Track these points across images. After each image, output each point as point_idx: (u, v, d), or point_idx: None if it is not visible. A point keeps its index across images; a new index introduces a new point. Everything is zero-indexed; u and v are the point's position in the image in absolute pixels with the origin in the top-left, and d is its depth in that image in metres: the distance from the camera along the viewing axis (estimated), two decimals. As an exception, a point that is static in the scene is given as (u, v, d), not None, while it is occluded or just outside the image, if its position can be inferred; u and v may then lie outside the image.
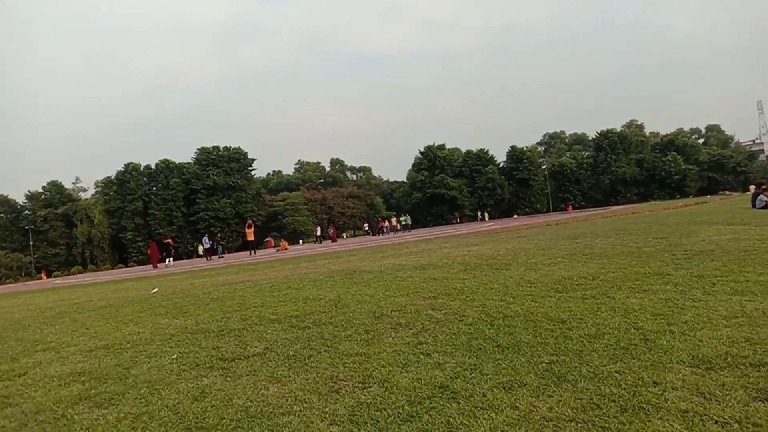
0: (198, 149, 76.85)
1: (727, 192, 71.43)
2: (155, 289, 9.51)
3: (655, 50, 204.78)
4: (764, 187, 14.93)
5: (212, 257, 35.89)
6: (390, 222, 55.07)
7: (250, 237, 36.12)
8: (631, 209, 30.25)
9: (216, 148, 76.88)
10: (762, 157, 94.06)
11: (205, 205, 72.48)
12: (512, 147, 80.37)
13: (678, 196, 72.04)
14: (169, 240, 38.77)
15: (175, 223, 71.93)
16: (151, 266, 34.84)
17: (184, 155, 79.19)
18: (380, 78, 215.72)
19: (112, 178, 73.79)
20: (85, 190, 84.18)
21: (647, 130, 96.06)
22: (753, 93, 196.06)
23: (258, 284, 8.59)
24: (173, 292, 8.91)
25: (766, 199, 13.57)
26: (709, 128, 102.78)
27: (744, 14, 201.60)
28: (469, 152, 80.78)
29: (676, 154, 75.05)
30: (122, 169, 72.68)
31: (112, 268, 65.39)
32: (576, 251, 8.31)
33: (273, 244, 39.25)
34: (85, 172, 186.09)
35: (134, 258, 68.76)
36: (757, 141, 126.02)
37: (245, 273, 11.69)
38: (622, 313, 4.25)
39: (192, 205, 73.45)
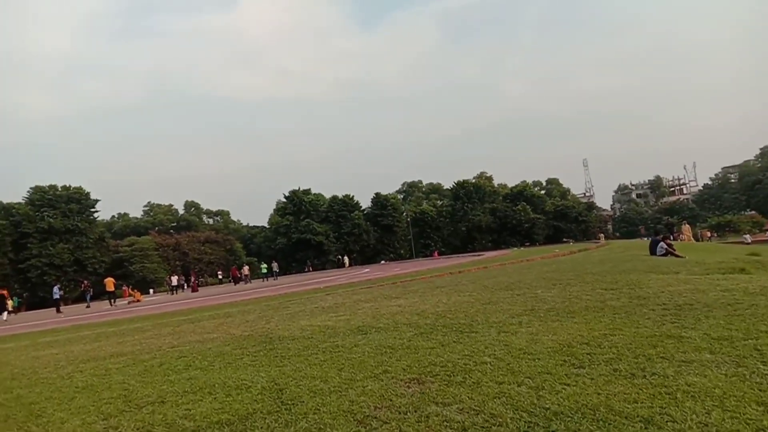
0: (31, 188, 67.86)
1: (570, 240, 77.52)
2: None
3: (493, 111, 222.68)
4: (662, 235, 15.28)
5: (61, 311, 30.91)
6: (242, 270, 50.92)
7: (110, 287, 33.41)
8: (506, 256, 30.78)
9: (53, 187, 68.44)
10: (608, 208, 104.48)
11: (38, 250, 63.55)
12: (377, 194, 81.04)
13: (527, 243, 76.80)
14: (4, 291, 32.89)
15: (0, 271, 62.24)
16: None
17: (13, 196, 69.52)
18: (234, 122, 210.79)
19: None
20: None
21: (495, 182, 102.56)
22: (580, 152, 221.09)
23: (138, 359, 6.34)
24: (11, 374, 6.32)
25: (665, 247, 13.76)
26: (550, 181, 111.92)
27: (567, 85, 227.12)
28: (335, 197, 80.00)
29: (525, 204, 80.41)
30: (-67, 208, 61.98)
31: None
32: (532, 306, 7.15)
33: (128, 294, 35.11)
34: None
35: (-56, 313, 58.14)
36: (587, 194, 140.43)
37: (108, 339, 9.11)
38: (713, 402, 3.20)
39: (22, 251, 64.16)
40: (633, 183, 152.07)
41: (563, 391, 3.66)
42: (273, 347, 6.11)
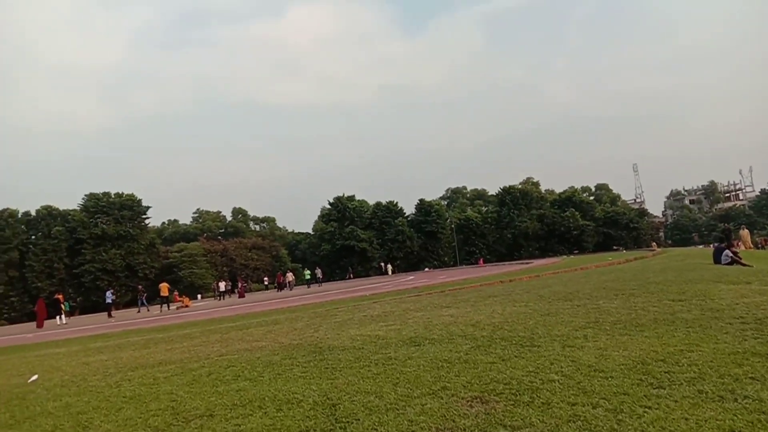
0: (86, 195, 70.24)
1: (620, 248, 75.26)
2: (35, 376, 6.79)
3: (539, 114, 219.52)
4: (727, 243, 14.48)
5: (113, 315, 31.79)
6: (285, 276, 51.06)
7: (164, 292, 34.18)
8: (557, 264, 30.04)
9: (106, 194, 70.69)
10: (659, 215, 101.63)
11: (91, 256, 65.70)
12: (420, 200, 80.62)
13: (576, 251, 74.92)
14: (60, 295, 34.05)
15: (56, 276, 64.44)
16: (33, 325, 30.70)
17: (69, 203, 72.10)
18: (280, 129, 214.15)
19: (-17, 225, 65.47)
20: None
21: (542, 188, 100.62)
22: (629, 156, 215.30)
23: (186, 368, 6.20)
24: (61, 381, 6.29)
25: (731, 255, 12.99)
26: (599, 186, 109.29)
27: (615, 86, 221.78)
28: (378, 204, 79.97)
29: (574, 210, 78.45)
30: (-5, 215, 64.74)
31: (-23, 327, 57.19)
32: (596, 318, 6.71)
33: (177, 299, 35.83)
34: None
35: (5, 315, 60.58)
36: (637, 200, 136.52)
37: (157, 345, 9.08)
38: None
39: (76, 256, 66.39)
40: (686, 188, 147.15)
41: (645, 415, 3.30)
42: (323, 358, 5.88)
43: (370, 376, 4.87)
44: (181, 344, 8.76)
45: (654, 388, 3.75)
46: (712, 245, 70.32)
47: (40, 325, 28.83)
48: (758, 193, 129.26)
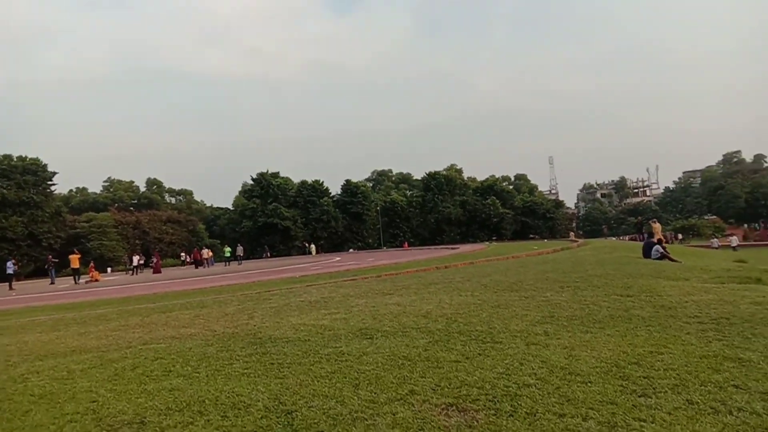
0: (-17, 158, 64.66)
1: (536, 237, 78.05)
2: None
3: (463, 104, 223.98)
4: (647, 235, 14.90)
5: (13, 288, 29.24)
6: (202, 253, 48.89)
7: (75, 264, 32.68)
8: (483, 251, 30.43)
9: (7, 156, 65.25)
10: (571, 206, 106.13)
11: (-11, 222, 60.73)
12: (347, 181, 79.95)
13: (494, 237, 76.92)
14: None
15: (-53, 242, 59.14)
16: None
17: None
18: (200, 100, 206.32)
19: None
20: None
21: (465, 175, 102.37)
22: (546, 149, 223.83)
23: (106, 359, 5.41)
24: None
25: (661, 250, 13.33)
26: (518, 176, 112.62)
27: (537, 82, 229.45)
28: (303, 182, 78.56)
29: (495, 198, 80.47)
30: None
31: None
32: (550, 312, 6.49)
33: (93, 271, 33.62)
34: None
35: None
36: (552, 191, 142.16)
37: (68, 328, 8.08)
38: None
39: (-28, 223, 61.11)
40: (598, 182, 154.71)
41: (644, 430, 3.00)
42: (266, 351, 5.28)
43: (325, 375, 4.35)
44: (96, 327, 7.83)
45: (639, 396, 3.49)
46: (622, 238, 74.30)
47: None
48: (663, 191, 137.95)
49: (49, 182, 68.74)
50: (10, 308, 13.44)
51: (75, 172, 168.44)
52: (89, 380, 4.60)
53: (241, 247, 51.95)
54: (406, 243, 73.36)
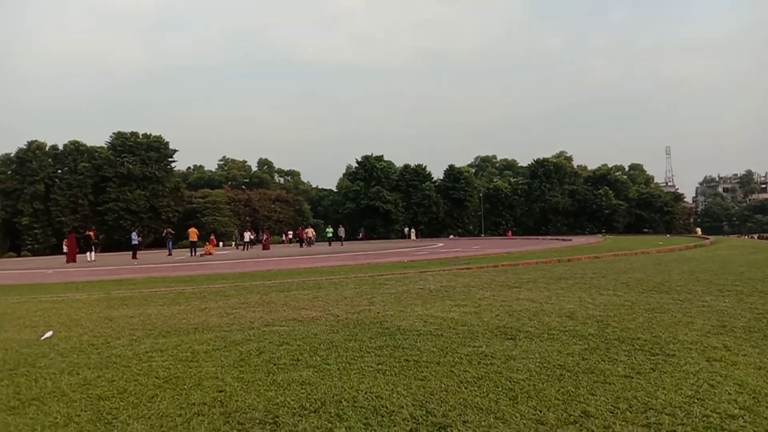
0: (113, 133, 69.72)
1: (650, 231, 73.21)
2: (49, 332, 5.77)
3: (575, 90, 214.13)
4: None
5: (137, 257, 31.44)
6: (306, 232, 49.88)
7: (193, 237, 34.09)
8: (601, 244, 28.70)
9: (134, 134, 70.05)
10: (688, 200, 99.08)
11: (116, 194, 65.58)
12: (450, 166, 78.82)
13: (604, 230, 72.92)
14: (91, 232, 33.83)
15: (80, 211, 64.53)
16: (55, 259, 30.92)
17: (96, 140, 71.49)
18: (311, 85, 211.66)
19: (12, 155, 65.34)
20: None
21: (574, 163, 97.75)
22: (662, 140, 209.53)
23: (229, 340, 5.13)
24: (79, 344, 5.24)
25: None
26: (633, 167, 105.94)
27: (654, 67, 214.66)
28: (406, 166, 78.34)
29: (608, 188, 76.13)
30: (24, 147, 64.43)
31: (1, 256, 57.61)
32: (719, 321, 5.50)
33: (215, 243, 35.41)
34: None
35: (28, 246, 61.00)
36: (668, 183, 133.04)
37: (188, 302, 8.06)
38: None
39: (101, 194, 66.31)
40: (720, 176, 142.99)
41: None
42: (397, 344, 4.77)
43: (471, 381, 3.75)
44: (216, 303, 7.72)
45: None
46: (750, 236, 67.95)
47: (71, 260, 28.63)
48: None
49: (170, 159, 73.14)
50: (133, 278, 14.01)
51: (193, 151, 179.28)
52: (214, 364, 4.29)
53: (343, 228, 52.56)
54: (510, 232, 71.38)
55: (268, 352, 4.60)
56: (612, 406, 3.24)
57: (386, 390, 3.59)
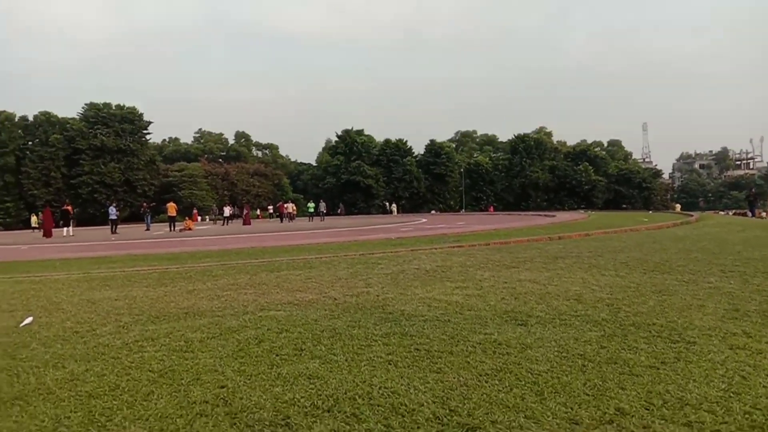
0: (86, 104, 68.03)
1: (629, 207, 74.02)
2: (28, 319, 5.37)
3: (553, 63, 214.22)
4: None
5: (116, 232, 30.80)
6: (287, 207, 49.41)
7: (172, 212, 33.73)
8: (586, 220, 28.80)
9: (107, 105, 68.35)
10: (665, 176, 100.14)
11: (89, 167, 64.22)
12: (431, 141, 78.47)
13: (584, 206, 73.54)
14: (68, 207, 33.02)
15: (52, 185, 63.15)
16: (28, 234, 30.28)
17: (68, 111, 69.35)
18: (287, 55, 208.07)
19: (-21, 128, 63.33)
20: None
21: (554, 139, 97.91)
22: (639, 116, 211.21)
23: (225, 327, 4.81)
24: (62, 331, 4.84)
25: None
26: (611, 143, 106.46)
27: (633, 42, 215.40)
28: (387, 141, 77.76)
29: (587, 164, 76.51)
30: (-8, 118, 62.47)
31: (-30, 231, 56.14)
32: (731, 304, 5.34)
33: (197, 218, 34.92)
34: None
35: (0, 221, 59.52)
36: (646, 159, 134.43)
37: (174, 283, 7.68)
38: None
39: (74, 167, 64.76)
40: (697, 152, 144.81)
41: None
42: (404, 331, 4.51)
43: (490, 373, 3.51)
44: (204, 284, 7.37)
45: None
46: (725, 212, 68.98)
47: (48, 235, 27.96)
48: (767, 164, 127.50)
49: (145, 131, 71.64)
50: (112, 255, 13.54)
51: (168, 123, 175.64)
52: (212, 355, 3.98)
53: (324, 203, 52.04)
54: (491, 207, 71.57)
55: (268, 341, 4.31)
56: (645, 401, 3.03)
57: (401, 384, 3.33)
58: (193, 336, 4.51)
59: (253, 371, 3.61)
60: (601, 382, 3.35)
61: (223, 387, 3.34)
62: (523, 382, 3.37)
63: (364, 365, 3.68)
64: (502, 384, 3.34)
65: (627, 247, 10.40)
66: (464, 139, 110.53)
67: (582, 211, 54.20)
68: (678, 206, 64.48)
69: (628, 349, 4.01)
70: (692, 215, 24.78)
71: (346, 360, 3.81)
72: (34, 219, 47.39)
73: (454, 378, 3.45)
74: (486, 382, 3.38)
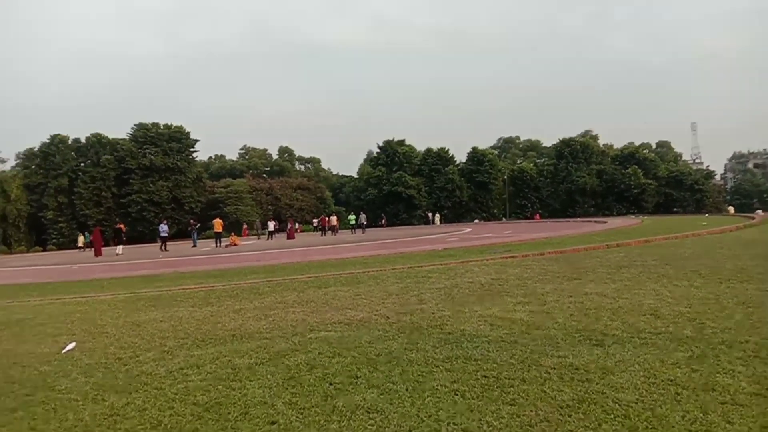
0: (135, 125, 69.63)
1: (680, 211, 71.35)
2: (71, 344, 5.21)
3: (597, 66, 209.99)
4: None
5: (167, 249, 31.30)
6: (329, 220, 49.38)
7: (218, 228, 33.50)
8: (640, 226, 27.71)
9: (155, 125, 69.94)
10: (717, 178, 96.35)
11: (139, 186, 65.68)
12: (473, 148, 77.26)
13: (634, 210, 71.20)
14: (121, 225, 33.86)
15: (103, 204, 64.87)
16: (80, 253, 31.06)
17: (118, 132, 71.65)
18: (329, 69, 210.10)
19: (36, 150, 65.68)
20: (3, 162, 74.68)
21: (600, 142, 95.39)
22: (688, 116, 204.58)
23: (273, 351, 4.50)
24: (104, 358, 4.65)
25: None
26: (660, 144, 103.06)
27: (678, 42, 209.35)
28: (429, 150, 77.04)
29: (636, 167, 74.01)
30: (47, 141, 64.66)
31: (28, 251, 58.16)
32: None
33: (247, 233, 35.42)
34: (6, 144, 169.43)
35: (54, 240, 61.49)
36: (696, 161, 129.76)
37: (220, 302, 7.48)
38: None
39: (124, 186, 66.52)
40: (750, 151, 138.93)
41: None
42: (467, 355, 4.10)
43: (571, 405, 3.09)
44: (251, 303, 7.13)
45: None
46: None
47: (98, 254, 28.53)
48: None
49: (192, 149, 72.98)
50: (159, 273, 13.55)
51: (214, 140, 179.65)
52: (260, 384, 3.67)
53: (364, 215, 51.71)
54: (537, 215, 69.99)
55: (320, 367, 3.98)
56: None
57: (473, 420, 2.95)
58: (240, 362, 4.22)
59: (306, 403, 3.29)
60: (701, 414, 2.90)
61: (273, 423, 3.03)
62: (612, 416, 2.95)
63: (428, 396, 3.31)
64: (588, 419, 2.92)
65: (695, 254, 9.71)
66: (507, 145, 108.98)
67: (633, 216, 52.38)
68: (731, 209, 61.59)
69: (723, 372, 3.53)
70: (754, 218, 23.39)
71: (407, 389, 3.44)
72: (81, 239, 48.47)
73: (532, 411, 3.05)
74: (569, 416, 2.97)
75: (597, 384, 3.40)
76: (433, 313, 5.64)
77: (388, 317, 5.59)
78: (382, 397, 3.34)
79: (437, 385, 3.49)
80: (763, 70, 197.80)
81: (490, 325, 4.99)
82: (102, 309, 7.47)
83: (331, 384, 3.61)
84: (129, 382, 3.87)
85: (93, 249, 30.28)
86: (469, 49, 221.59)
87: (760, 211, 56.29)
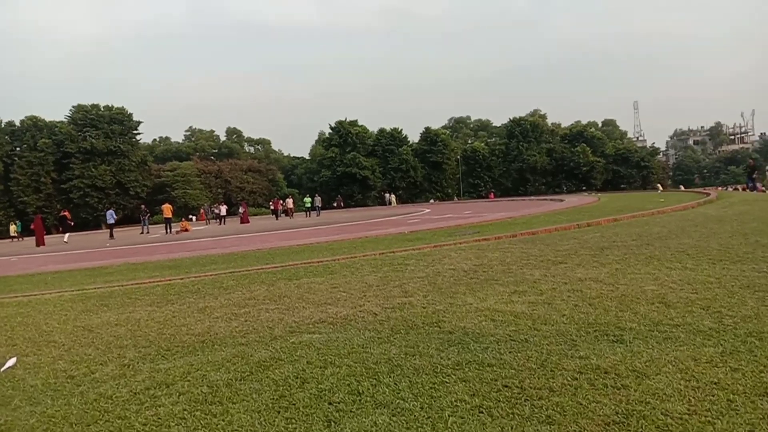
0: (73, 107, 66.39)
1: (627, 187, 73.29)
2: (11, 360, 4.45)
3: (542, 48, 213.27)
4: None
5: (113, 236, 30.02)
6: (285, 203, 48.33)
7: (168, 213, 32.53)
8: (596, 204, 28.00)
9: (95, 106, 66.86)
10: (660, 156, 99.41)
11: (80, 171, 62.85)
12: (426, 128, 77.05)
13: (584, 187, 72.80)
14: (66, 212, 32.21)
15: (43, 190, 61.85)
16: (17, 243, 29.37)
17: (55, 115, 67.86)
18: (276, 50, 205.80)
19: (-35, 133, 61.86)
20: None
21: (549, 121, 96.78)
22: (630, 95, 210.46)
23: (252, 360, 3.91)
24: (53, 377, 3.88)
25: None
26: (606, 122, 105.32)
27: (620, 24, 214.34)
28: (382, 131, 76.35)
29: (585, 145, 75.50)
30: (-23, 124, 61.02)
31: (-40, 240, 54.87)
32: None
33: (204, 217, 34.34)
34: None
35: (-10, 230, 58.26)
36: (639, 138, 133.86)
37: (181, 298, 6.77)
38: None
39: (64, 171, 63.43)
40: (691, 128, 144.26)
41: None
42: (478, 359, 3.61)
43: (618, 422, 2.67)
44: (216, 300, 6.46)
45: None
46: (723, 188, 68.24)
47: (40, 244, 27.01)
48: (759, 137, 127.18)
49: (135, 131, 70.24)
50: (109, 264, 12.58)
51: (158, 122, 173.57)
52: (246, 408, 3.08)
53: (319, 198, 50.84)
54: (492, 194, 70.65)
55: (313, 381, 3.42)
56: None
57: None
58: (216, 377, 3.61)
59: (302, 430, 2.74)
60: (765, 425, 2.51)
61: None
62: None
63: (449, 416, 2.81)
64: (634, 437, 2.49)
65: (671, 233, 9.53)
66: (458, 125, 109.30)
67: (586, 194, 53.27)
68: (681, 186, 63.56)
69: (759, 369, 3.17)
70: (709, 193, 23.91)
71: (422, 408, 2.93)
72: (12, 228, 45.48)
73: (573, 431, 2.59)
74: (610, 434, 2.53)
75: (635, 392, 2.98)
76: (424, 308, 5.13)
77: (376, 314, 5.06)
78: (394, 419, 2.81)
79: (455, 401, 2.99)
80: (700, 51, 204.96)
81: (492, 320, 4.53)
82: (47, 311, 6.64)
83: (330, 403, 3.07)
84: (85, 410, 3.20)
85: (34, 238, 28.63)
86: (417, 30, 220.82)
87: (682, 186, 58.37)
